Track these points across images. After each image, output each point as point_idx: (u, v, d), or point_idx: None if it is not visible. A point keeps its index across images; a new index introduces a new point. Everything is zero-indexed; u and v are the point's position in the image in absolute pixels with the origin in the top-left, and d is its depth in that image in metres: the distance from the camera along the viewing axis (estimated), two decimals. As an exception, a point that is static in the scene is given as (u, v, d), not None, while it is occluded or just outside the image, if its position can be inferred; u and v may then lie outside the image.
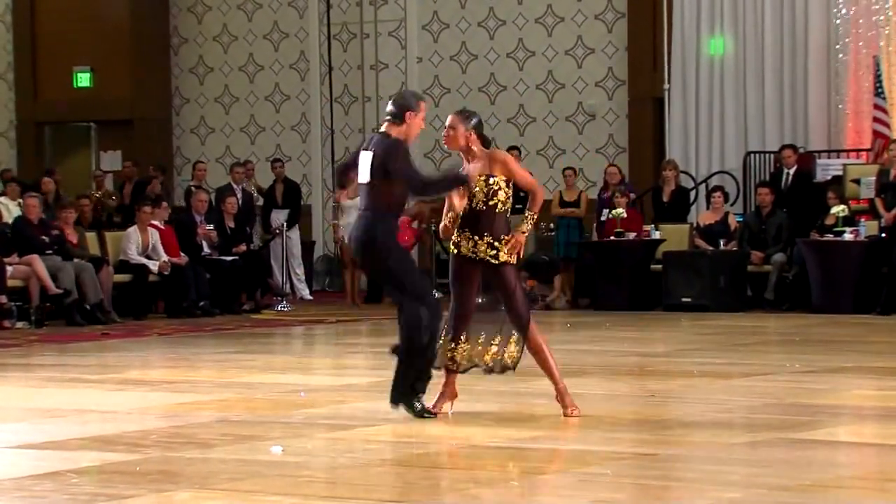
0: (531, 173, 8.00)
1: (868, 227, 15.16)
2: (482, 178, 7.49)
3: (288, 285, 17.61)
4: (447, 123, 7.60)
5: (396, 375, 7.48)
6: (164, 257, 15.65)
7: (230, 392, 8.87)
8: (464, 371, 7.63)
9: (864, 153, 16.93)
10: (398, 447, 6.78)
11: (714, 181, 17.28)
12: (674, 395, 8.56)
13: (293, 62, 20.42)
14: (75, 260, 15.00)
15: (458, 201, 7.47)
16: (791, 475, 5.89)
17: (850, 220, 15.17)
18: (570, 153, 19.00)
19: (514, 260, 7.51)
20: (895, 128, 16.53)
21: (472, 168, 7.54)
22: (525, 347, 7.49)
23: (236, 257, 16.27)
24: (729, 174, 17.49)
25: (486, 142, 7.67)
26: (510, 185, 7.55)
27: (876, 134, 16.55)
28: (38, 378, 10.18)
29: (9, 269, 14.45)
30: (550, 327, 13.69)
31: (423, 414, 7.38)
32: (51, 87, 21.06)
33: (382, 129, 7.57)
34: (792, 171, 16.31)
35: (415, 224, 18.88)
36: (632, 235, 16.07)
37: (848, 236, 14.92)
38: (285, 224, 17.39)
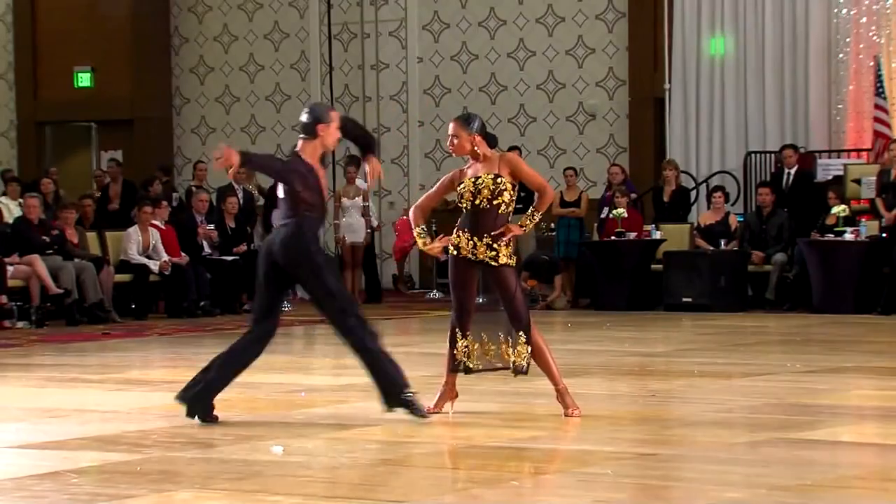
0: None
1: (869, 228, 15.16)
2: (490, 175, 7.49)
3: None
4: (449, 132, 7.59)
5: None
6: (165, 257, 15.65)
7: (231, 392, 8.83)
8: (467, 373, 7.61)
9: (864, 153, 16.94)
10: (399, 447, 6.78)
11: (715, 181, 17.28)
12: (675, 395, 8.56)
13: (294, 62, 20.43)
14: (76, 260, 15.00)
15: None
16: (792, 475, 5.89)
17: (851, 220, 15.17)
18: (570, 153, 19.00)
19: (508, 255, 7.47)
20: (896, 128, 16.55)
21: (479, 168, 7.53)
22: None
23: (237, 257, 16.26)
24: (729, 174, 17.49)
25: (492, 140, 7.65)
26: (516, 188, 7.53)
27: (877, 134, 16.55)
28: (39, 378, 10.17)
29: (9, 269, 14.45)
30: (551, 327, 13.69)
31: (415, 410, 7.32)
32: (51, 87, 21.07)
33: (297, 146, 7.53)
34: (793, 171, 16.31)
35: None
36: (632, 235, 16.07)
37: (849, 236, 14.92)
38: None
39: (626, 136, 18.80)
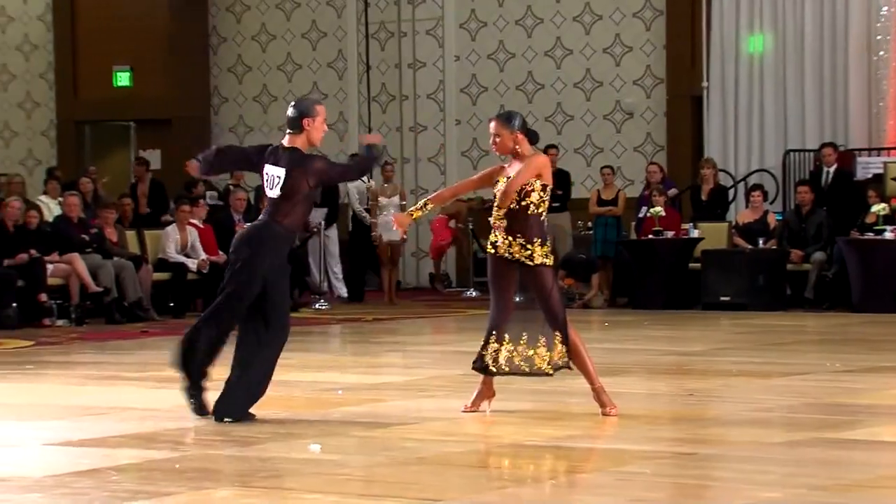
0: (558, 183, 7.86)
1: (909, 226, 15.06)
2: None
3: (325, 284, 17.65)
4: (491, 131, 7.57)
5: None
6: (203, 256, 15.72)
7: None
8: (503, 374, 7.61)
9: (904, 151, 16.83)
10: (435, 445, 6.78)
11: (753, 179, 17.20)
12: (712, 395, 8.53)
13: (331, 61, 20.47)
14: (115, 258, 15.10)
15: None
16: (830, 475, 5.86)
17: (891, 219, 15.06)
18: (607, 151, 18.96)
19: (544, 254, 7.45)
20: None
21: (515, 168, 7.53)
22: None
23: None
24: (768, 172, 17.40)
25: (533, 137, 7.64)
26: (547, 189, 7.52)
27: (917, 132, 16.44)
28: (78, 376, 10.24)
29: (49, 267, 14.56)
30: (588, 326, 13.67)
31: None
32: (91, 87, 21.19)
33: (285, 141, 7.53)
34: (832, 170, 16.22)
35: (452, 223, 18.89)
36: (670, 234, 16.01)
37: (888, 235, 14.82)
38: (323, 223, 17.42)
39: (663, 134, 18.74)
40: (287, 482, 5.83)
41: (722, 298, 15.38)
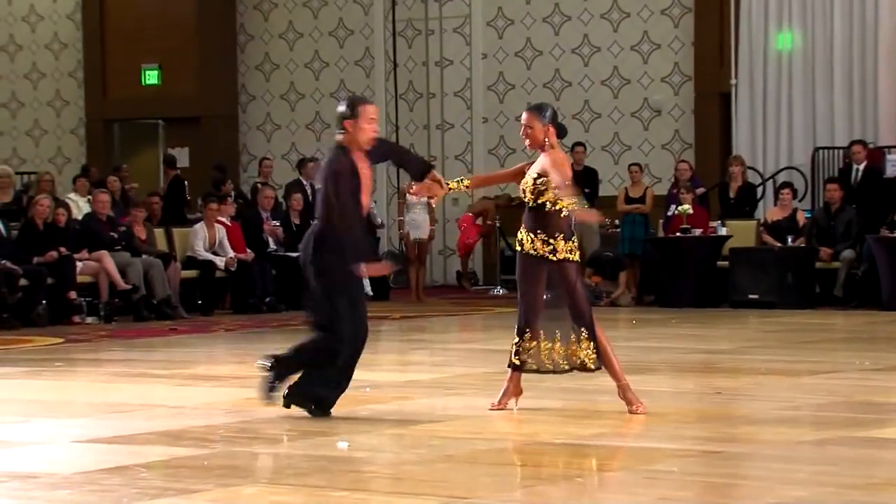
0: (575, 180, 7.71)
1: (939, 224, 14.97)
2: (532, 175, 7.47)
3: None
4: (523, 121, 7.55)
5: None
6: (231, 253, 15.76)
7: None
8: (533, 372, 7.60)
9: (934, 148, 16.72)
10: (463, 443, 6.78)
11: (782, 177, 17.13)
12: (741, 393, 8.50)
13: (358, 59, 20.49)
14: (143, 256, 15.15)
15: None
16: (859, 474, 5.83)
17: (921, 217, 14.98)
18: (635, 149, 18.91)
19: (568, 250, 7.44)
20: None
21: (532, 167, 7.52)
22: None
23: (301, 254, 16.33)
24: (797, 170, 17.33)
25: (562, 131, 7.63)
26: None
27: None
28: (107, 373, 10.29)
29: (78, 265, 14.62)
30: (616, 324, 13.64)
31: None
32: (119, 85, 21.28)
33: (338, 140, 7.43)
34: (861, 167, 16.14)
35: (479, 221, 18.89)
36: (698, 232, 15.96)
37: (918, 233, 14.73)
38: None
39: (691, 131, 18.68)
40: (315, 479, 5.83)
41: (750, 296, 15.32)
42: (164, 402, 8.36)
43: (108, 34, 21.33)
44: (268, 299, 15.80)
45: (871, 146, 16.56)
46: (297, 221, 16.72)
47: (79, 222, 15.41)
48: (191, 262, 15.71)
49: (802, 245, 15.80)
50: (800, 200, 16.68)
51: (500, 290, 18.01)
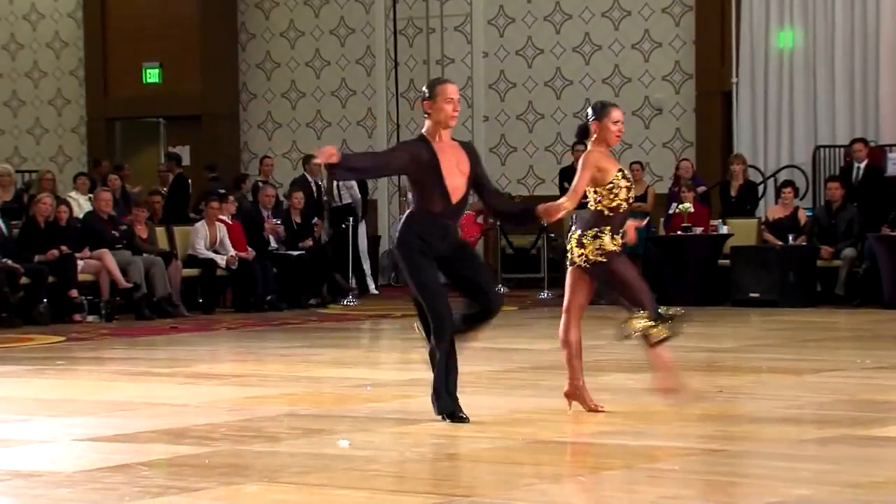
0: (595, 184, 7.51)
1: (940, 222, 14.96)
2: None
3: (354, 280, 17.66)
4: (621, 118, 7.54)
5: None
6: (232, 252, 15.76)
7: (298, 386, 8.92)
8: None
9: (936, 147, 16.71)
10: (465, 442, 6.78)
11: (783, 175, 17.12)
12: (743, 392, 8.50)
13: (359, 57, 20.48)
14: (145, 254, 15.16)
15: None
16: (862, 472, 5.83)
17: (922, 215, 14.97)
18: (636, 147, 18.90)
19: (593, 251, 7.41)
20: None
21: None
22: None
23: (303, 252, 16.36)
24: (798, 168, 17.32)
25: (581, 132, 7.63)
26: (612, 182, 7.41)
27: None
28: (109, 371, 10.30)
29: (80, 263, 14.63)
30: (616, 323, 13.60)
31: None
32: (120, 84, 21.28)
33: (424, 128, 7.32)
34: (863, 166, 16.13)
35: (480, 219, 18.88)
36: (699, 230, 15.96)
37: (920, 231, 14.72)
38: (351, 219, 17.44)
39: (692, 130, 18.67)
40: (316, 478, 5.83)
41: (751, 295, 15.31)
42: (165, 400, 8.36)
43: (109, 33, 21.33)
44: (269, 298, 15.80)
45: (872, 144, 16.56)
46: (297, 220, 16.72)
47: (80, 221, 15.41)
48: (192, 260, 15.71)
49: (804, 243, 15.79)
50: (801, 199, 16.67)
51: (501, 289, 17.99)
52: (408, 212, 7.27)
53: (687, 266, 15.76)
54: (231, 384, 9.17)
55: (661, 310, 7.47)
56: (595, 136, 7.50)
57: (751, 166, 17.19)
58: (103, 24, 21.36)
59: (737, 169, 16.64)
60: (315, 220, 16.92)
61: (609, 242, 7.45)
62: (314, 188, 17.48)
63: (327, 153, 6.92)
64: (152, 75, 21.05)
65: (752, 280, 15.41)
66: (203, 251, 15.73)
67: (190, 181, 18.49)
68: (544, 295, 16.96)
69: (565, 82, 19.36)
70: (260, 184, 17.47)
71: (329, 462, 6.20)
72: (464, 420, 7.10)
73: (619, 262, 7.46)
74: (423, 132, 7.25)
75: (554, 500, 5.49)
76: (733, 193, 16.67)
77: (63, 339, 12.66)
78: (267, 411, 7.73)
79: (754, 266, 15.50)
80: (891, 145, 16.87)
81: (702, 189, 16.79)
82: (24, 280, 14.15)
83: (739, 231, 16.03)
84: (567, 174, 17.53)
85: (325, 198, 17.52)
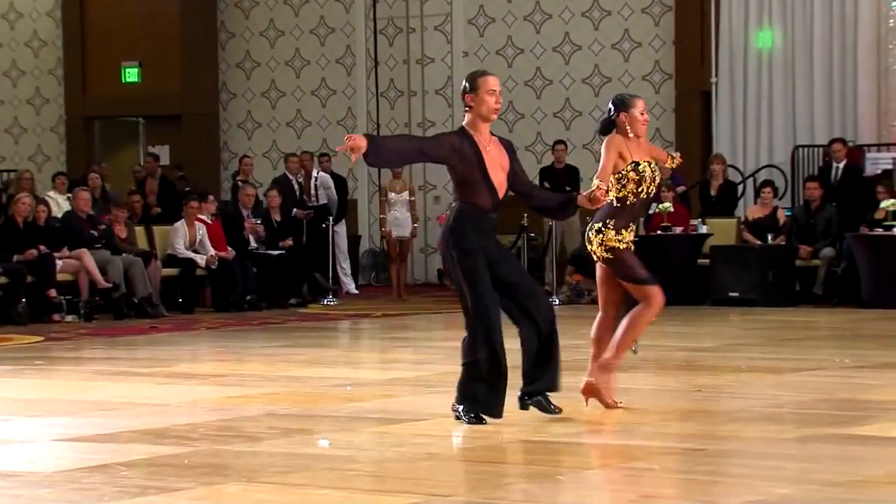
0: (624, 167, 7.53)
1: (919, 222, 15.02)
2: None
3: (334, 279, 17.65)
4: (645, 109, 7.53)
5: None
6: (212, 251, 15.73)
7: (278, 386, 8.91)
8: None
9: (914, 147, 16.79)
10: (445, 441, 6.78)
11: (762, 175, 17.17)
12: (723, 391, 8.51)
13: (339, 57, 20.46)
14: (124, 254, 15.11)
15: None
16: (842, 471, 5.84)
17: (900, 215, 15.04)
18: (616, 147, 18.90)
19: (603, 244, 7.34)
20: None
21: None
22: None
23: (283, 251, 16.34)
24: (777, 168, 17.38)
25: (603, 126, 7.59)
26: (620, 172, 7.41)
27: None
28: (89, 371, 10.26)
29: (58, 263, 14.57)
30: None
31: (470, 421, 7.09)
32: (99, 83, 21.21)
33: (464, 120, 7.21)
34: (841, 165, 16.19)
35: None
36: (679, 230, 15.99)
37: (898, 231, 14.78)
38: (331, 219, 17.43)
39: (672, 130, 18.71)
40: (297, 477, 5.82)
41: (731, 294, 15.35)
42: (146, 400, 8.34)
43: (88, 31, 21.26)
44: (249, 297, 15.77)
45: (850, 144, 16.62)
46: (277, 218, 16.70)
47: (59, 220, 15.36)
48: (171, 260, 15.67)
49: (783, 243, 15.84)
50: (780, 199, 16.73)
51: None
52: (455, 208, 7.10)
53: (667, 265, 15.75)
54: (211, 384, 9.15)
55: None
56: (625, 126, 7.45)
57: (730, 166, 17.23)
58: (82, 22, 21.29)
59: (716, 169, 16.68)
60: (295, 211, 16.95)
61: (613, 237, 7.38)
62: (296, 186, 17.47)
63: (352, 145, 6.76)
64: (131, 74, 20.99)
65: (732, 279, 15.45)
66: (182, 251, 15.70)
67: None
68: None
69: (545, 82, 19.38)
70: (240, 183, 17.44)
71: (309, 462, 6.19)
72: (483, 422, 7.00)
73: (625, 261, 7.37)
74: (463, 125, 7.14)
75: (534, 500, 5.49)
76: (713, 193, 16.71)
77: (42, 339, 12.61)
78: (247, 411, 7.72)
79: (734, 265, 15.54)
80: (869, 145, 16.95)
81: (681, 189, 16.82)
82: (2, 280, 14.10)
83: (719, 231, 16.07)
84: (547, 174, 17.56)
85: (303, 197, 17.51)
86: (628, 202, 7.43)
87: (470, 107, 7.08)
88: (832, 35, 17.36)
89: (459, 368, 7.17)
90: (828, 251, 15.53)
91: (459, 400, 7.10)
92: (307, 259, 16.79)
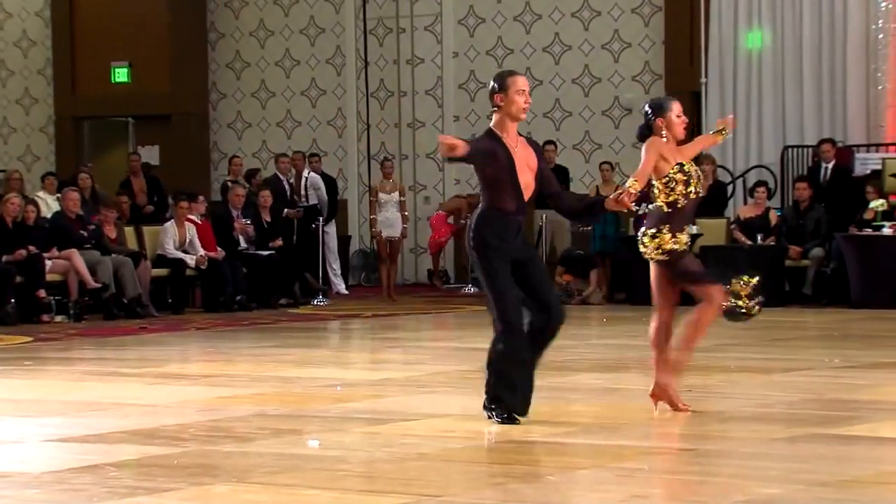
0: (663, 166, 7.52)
1: (907, 222, 15.06)
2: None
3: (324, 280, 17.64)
4: (682, 112, 7.48)
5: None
6: (201, 252, 15.71)
7: (267, 386, 8.91)
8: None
9: (903, 147, 16.83)
10: (435, 442, 6.78)
11: (752, 175, 17.20)
12: (712, 391, 8.52)
13: (329, 57, 20.45)
14: (113, 255, 15.09)
15: None
16: (831, 471, 5.85)
17: (889, 215, 15.07)
18: (606, 148, 18.95)
19: (657, 247, 7.34)
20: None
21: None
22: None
23: (272, 251, 16.33)
24: (767, 168, 17.40)
25: (647, 129, 7.54)
26: (667, 176, 7.37)
27: (915, 128, 16.44)
28: (78, 372, 10.25)
29: (48, 263, 14.55)
30: (587, 322, 13.66)
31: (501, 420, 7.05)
32: (89, 83, 21.17)
33: (492, 121, 7.21)
34: (830, 166, 16.22)
35: (451, 219, 18.88)
36: (669, 230, 15.98)
37: (887, 231, 14.82)
38: (321, 219, 17.42)
39: (662, 130, 18.70)
40: (286, 478, 5.82)
41: (721, 294, 15.34)
42: (135, 400, 8.33)
43: (77, 31, 21.23)
44: (238, 297, 15.75)
45: (839, 145, 16.65)
46: (267, 219, 16.68)
47: (48, 220, 15.33)
48: (161, 260, 15.65)
49: (772, 243, 15.86)
50: (769, 199, 16.75)
51: (471, 289, 18.01)
52: (479, 210, 7.07)
53: (656, 266, 15.79)
54: (201, 384, 9.14)
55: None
56: (661, 131, 7.42)
57: (720, 166, 17.26)
58: (71, 22, 21.25)
59: (706, 169, 16.67)
60: (286, 211, 16.94)
61: (669, 241, 7.35)
62: (287, 186, 17.45)
63: (450, 146, 6.76)
64: (121, 74, 20.96)
65: (721, 279, 15.43)
66: (172, 251, 15.68)
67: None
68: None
69: (535, 82, 19.36)
70: (229, 183, 17.42)
71: (299, 462, 6.19)
72: (515, 421, 6.98)
73: (682, 262, 7.36)
74: (490, 127, 7.12)
75: (524, 500, 5.49)
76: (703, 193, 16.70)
77: (31, 339, 12.59)
78: (237, 411, 7.71)
79: (723, 265, 15.49)
80: (858, 146, 16.98)
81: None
82: (-9, 280, 14.07)
83: (709, 231, 16.08)
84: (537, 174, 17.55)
85: (294, 197, 17.49)
86: (679, 205, 7.40)
87: (499, 106, 7.08)
88: (821, 36, 17.39)
89: (484, 370, 7.11)
90: (817, 251, 15.56)
91: (489, 401, 7.06)
92: (297, 259, 16.78)
